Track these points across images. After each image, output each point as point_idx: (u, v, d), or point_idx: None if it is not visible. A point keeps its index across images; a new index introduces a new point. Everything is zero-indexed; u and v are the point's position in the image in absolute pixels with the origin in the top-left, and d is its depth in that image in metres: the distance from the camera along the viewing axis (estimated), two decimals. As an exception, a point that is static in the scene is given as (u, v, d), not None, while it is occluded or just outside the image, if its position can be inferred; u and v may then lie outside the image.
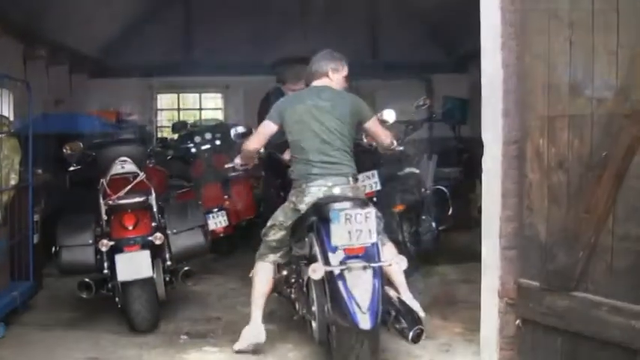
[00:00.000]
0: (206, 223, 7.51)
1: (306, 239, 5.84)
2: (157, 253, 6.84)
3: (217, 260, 9.88)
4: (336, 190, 6.00)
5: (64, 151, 7.83)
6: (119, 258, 6.58)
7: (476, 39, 5.33)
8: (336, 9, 14.97)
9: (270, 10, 15.30)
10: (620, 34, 4.30)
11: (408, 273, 6.30)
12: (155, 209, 6.99)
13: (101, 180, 7.06)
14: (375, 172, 8.62)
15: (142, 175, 7.05)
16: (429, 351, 6.13)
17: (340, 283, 5.21)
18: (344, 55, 6.60)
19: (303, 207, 6.01)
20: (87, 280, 6.71)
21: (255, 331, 6.24)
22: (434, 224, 9.27)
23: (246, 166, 6.94)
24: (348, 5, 15.12)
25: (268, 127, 6.32)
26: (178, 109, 17.04)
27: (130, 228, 6.79)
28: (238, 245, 10.39)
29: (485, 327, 5.36)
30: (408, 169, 9.12)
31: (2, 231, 7.19)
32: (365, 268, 5.25)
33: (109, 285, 6.80)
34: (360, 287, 5.18)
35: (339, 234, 5.24)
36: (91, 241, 6.72)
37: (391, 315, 5.55)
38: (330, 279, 5.30)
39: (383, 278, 5.49)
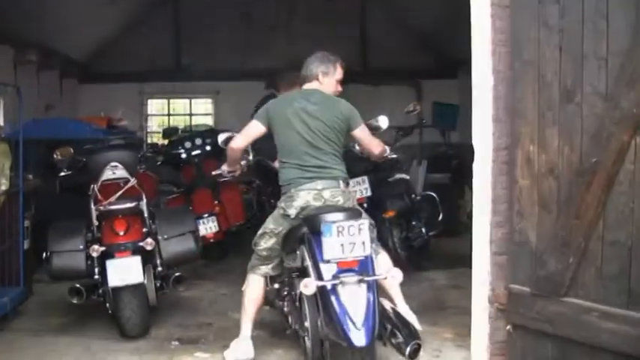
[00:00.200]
0: (197, 229, 7.52)
1: (298, 252, 5.74)
2: (147, 258, 6.84)
3: (208, 266, 9.89)
4: (326, 194, 5.90)
5: (55, 156, 7.81)
6: (110, 264, 6.59)
7: (465, 45, 5.36)
8: (326, 15, 15.04)
9: (260, 16, 15.37)
10: (610, 41, 4.33)
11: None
12: (146, 215, 6.99)
13: (92, 185, 7.05)
14: (366, 177, 8.66)
15: (133, 181, 7.06)
16: (420, 356, 6.14)
17: (333, 298, 5.09)
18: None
19: (292, 212, 5.91)
20: (78, 285, 6.70)
21: (244, 346, 6.20)
22: (424, 230, 9.28)
23: (233, 173, 6.77)
24: (338, 11, 15.18)
25: (255, 127, 6.19)
26: (168, 115, 17.05)
27: (121, 234, 6.80)
28: (229, 251, 10.41)
29: (476, 332, 5.37)
30: (398, 175, 9.13)
31: (-7, 236, 7.18)
32: (359, 282, 5.11)
33: (100, 291, 6.80)
34: (354, 302, 5.06)
35: (332, 247, 5.12)
36: (81, 247, 6.71)
37: (387, 329, 5.43)
38: (322, 293, 5.17)
39: (378, 292, 5.33)
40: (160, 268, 6.94)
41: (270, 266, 6.23)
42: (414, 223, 9.28)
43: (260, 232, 6.23)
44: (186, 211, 7.88)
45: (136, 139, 12.71)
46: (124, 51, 15.23)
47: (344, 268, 5.16)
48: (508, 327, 5.07)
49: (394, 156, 6.97)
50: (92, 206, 6.88)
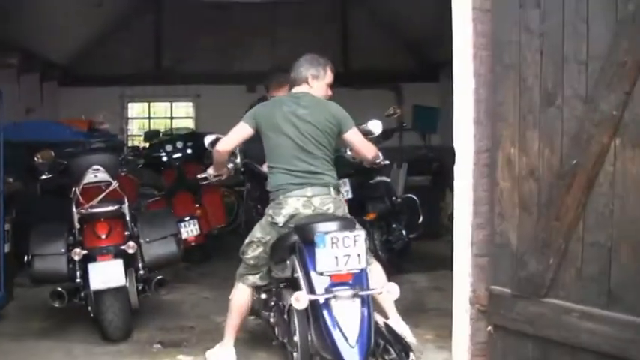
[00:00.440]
0: (179, 232, 7.54)
1: (288, 261, 5.51)
2: (130, 261, 6.84)
3: (190, 269, 9.88)
4: (316, 201, 5.68)
5: (36, 160, 7.80)
6: (92, 267, 6.58)
7: (446, 48, 5.42)
8: (307, 18, 15.05)
9: (241, 20, 15.35)
10: (590, 45, 4.39)
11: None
12: (128, 218, 6.99)
13: (74, 189, 7.04)
14: (347, 180, 8.67)
15: (115, 184, 7.05)
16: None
17: (326, 313, 4.85)
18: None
19: (280, 220, 5.69)
20: (60, 289, 6.68)
21: (226, 355, 6.14)
22: (404, 232, 9.33)
23: (219, 177, 6.55)
24: (320, 14, 15.20)
25: (242, 130, 5.96)
26: (149, 118, 17.01)
27: (103, 237, 6.79)
28: (211, 254, 10.42)
29: (457, 333, 5.42)
30: (378, 178, 9.17)
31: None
32: (353, 296, 4.88)
33: (82, 294, 6.78)
34: (347, 317, 4.83)
35: (325, 259, 4.88)
36: (63, 250, 6.70)
37: (380, 345, 5.17)
38: (314, 307, 4.92)
39: (372, 307, 5.07)
40: (142, 271, 6.93)
41: (257, 276, 6.03)
42: (394, 225, 9.32)
43: (247, 240, 6.01)
44: (168, 214, 7.88)
45: (118, 142, 12.69)
46: (104, 54, 15.19)
47: (337, 282, 4.92)
48: (489, 328, 5.13)
49: (387, 162, 6.72)
50: (74, 209, 6.88)
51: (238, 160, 6.56)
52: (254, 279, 6.04)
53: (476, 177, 5.19)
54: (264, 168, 6.37)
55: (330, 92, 6.20)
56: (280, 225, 5.70)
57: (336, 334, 4.79)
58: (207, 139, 6.42)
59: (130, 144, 15.63)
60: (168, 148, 10.76)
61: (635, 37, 4.14)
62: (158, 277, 7.02)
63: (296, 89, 6.07)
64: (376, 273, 5.87)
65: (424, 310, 7.70)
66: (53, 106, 14.15)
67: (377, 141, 8.57)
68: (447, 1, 5.35)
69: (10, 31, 10.72)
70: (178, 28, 15.30)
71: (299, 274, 5.18)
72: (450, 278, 5.51)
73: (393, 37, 15.69)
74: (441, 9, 5.56)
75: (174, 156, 10.69)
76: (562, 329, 4.60)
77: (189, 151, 10.72)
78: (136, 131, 16.86)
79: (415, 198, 9.73)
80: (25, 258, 6.76)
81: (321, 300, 4.88)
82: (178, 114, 16.95)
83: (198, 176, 6.85)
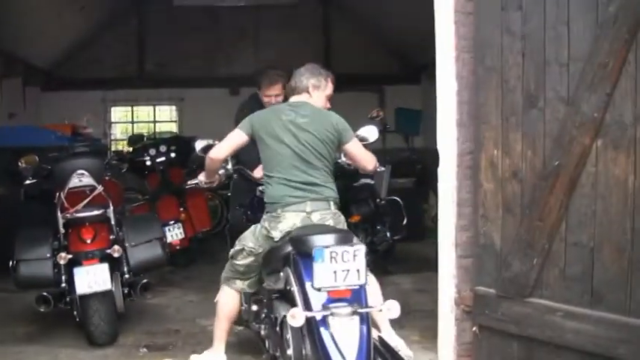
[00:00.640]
0: (164, 236, 7.53)
1: (281, 273, 5.21)
2: (115, 266, 6.82)
3: (175, 273, 9.88)
4: (315, 217, 5.46)
5: (20, 164, 7.78)
6: (77, 271, 6.57)
7: (428, 50, 5.46)
8: (290, 22, 15.11)
9: (225, 23, 15.41)
10: (571, 47, 4.44)
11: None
12: (113, 222, 6.98)
13: (58, 193, 7.03)
14: (331, 182, 8.68)
15: (99, 188, 7.04)
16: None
17: (323, 330, 4.60)
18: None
19: (277, 235, 5.44)
20: (45, 294, 6.66)
21: None
22: (388, 234, 9.36)
23: (210, 184, 6.30)
24: (302, 18, 15.26)
25: (237, 137, 5.73)
26: (132, 122, 17.01)
27: (88, 241, 6.78)
28: (195, 258, 10.43)
29: (443, 334, 5.45)
30: (362, 180, 9.19)
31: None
32: (352, 313, 4.61)
33: (67, 299, 6.76)
34: (345, 335, 4.58)
35: (323, 274, 4.58)
36: (49, 255, 6.67)
37: None
38: (310, 323, 4.66)
39: (370, 324, 4.80)
40: (127, 275, 6.90)
41: (246, 282, 5.83)
42: (378, 227, 9.35)
43: (237, 247, 5.78)
44: (152, 218, 7.88)
45: (101, 146, 12.69)
46: (87, 58, 15.20)
47: (335, 298, 4.66)
48: (474, 328, 5.16)
49: (382, 168, 6.57)
50: (59, 214, 6.86)
51: (230, 166, 6.26)
52: (242, 284, 5.85)
53: (459, 179, 5.23)
54: (256, 173, 6.30)
55: (328, 105, 6.00)
56: (276, 240, 5.44)
57: (333, 353, 4.57)
58: (199, 145, 6.21)
59: (113, 148, 15.65)
60: (152, 152, 10.72)
61: (615, 39, 4.19)
62: (143, 281, 7.00)
63: (295, 98, 5.85)
64: (372, 286, 5.45)
65: (409, 311, 7.70)
66: (36, 110, 14.13)
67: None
68: (429, 4, 5.38)
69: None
70: (161, 32, 15.33)
71: (294, 289, 4.91)
72: (435, 280, 5.54)
73: (376, 40, 15.76)
74: (423, 12, 5.58)
75: (158, 160, 10.66)
76: (546, 329, 4.65)
77: (172, 155, 10.69)
78: (119, 135, 16.88)
79: (399, 200, 9.76)
80: (10, 263, 6.73)
81: (318, 317, 4.63)
82: (161, 118, 16.96)
83: (189, 182, 6.69)
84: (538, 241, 4.65)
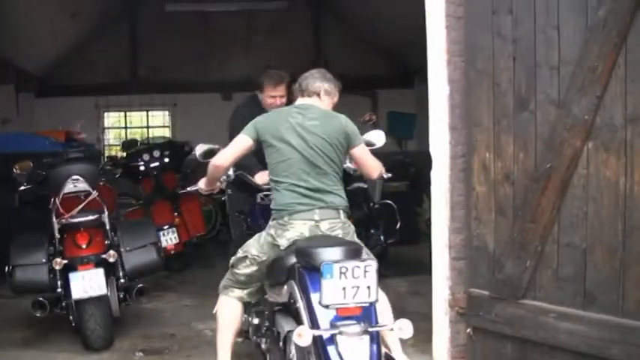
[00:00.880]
0: (159, 240, 7.56)
1: (285, 286, 4.93)
2: (110, 270, 6.83)
3: (170, 277, 9.87)
4: (324, 226, 5.10)
5: (14, 170, 7.80)
6: (73, 276, 6.58)
7: (421, 54, 5.49)
8: (282, 26, 15.16)
9: (215, 29, 15.46)
10: (561, 50, 4.50)
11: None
12: (108, 227, 6.99)
13: (53, 199, 7.05)
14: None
15: (94, 194, 7.05)
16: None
17: (330, 349, 4.30)
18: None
19: (283, 243, 5.09)
20: (41, 299, 6.68)
21: None
22: (382, 238, 9.37)
23: (211, 191, 5.99)
24: (294, 22, 15.31)
25: (242, 142, 5.34)
26: (125, 127, 17.03)
27: (84, 246, 6.77)
28: (190, 262, 10.45)
29: (437, 336, 5.49)
30: (356, 184, 9.19)
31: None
32: (362, 332, 4.31)
33: (63, 304, 6.76)
34: (355, 356, 4.30)
35: (332, 291, 4.28)
36: (44, 260, 6.68)
37: None
38: (317, 341, 4.35)
39: (381, 344, 4.54)
40: (122, 280, 6.90)
41: (246, 292, 5.48)
42: (372, 231, 9.36)
43: (240, 254, 5.42)
44: (147, 223, 7.91)
45: (95, 151, 12.71)
46: (80, 64, 15.24)
47: (344, 316, 4.35)
48: (468, 330, 5.22)
49: (389, 175, 5.98)
50: (54, 219, 6.87)
51: (231, 172, 5.85)
52: (241, 293, 5.48)
53: (452, 182, 5.27)
54: (257, 179, 6.09)
55: None
56: (282, 248, 5.09)
57: None
58: (199, 149, 5.87)
59: (106, 153, 15.67)
60: (146, 157, 10.72)
61: (605, 42, 4.25)
62: (139, 286, 7.01)
63: (303, 100, 5.47)
64: (382, 303, 4.93)
65: (404, 314, 7.68)
66: (29, 117, 14.15)
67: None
68: (421, 8, 5.42)
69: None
70: (154, 38, 15.38)
71: (300, 305, 4.61)
72: (429, 283, 5.57)
73: (368, 43, 15.82)
74: (415, 16, 5.61)
75: (152, 165, 10.65)
76: (540, 330, 4.70)
77: (166, 160, 10.69)
78: (112, 141, 16.91)
79: (392, 204, 9.78)
80: (6, 269, 6.75)
81: (326, 335, 4.33)
82: (154, 123, 16.98)
83: (187, 189, 6.34)
84: (531, 242, 4.71)
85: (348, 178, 8.31)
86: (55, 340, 7.12)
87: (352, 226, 5.36)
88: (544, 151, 4.61)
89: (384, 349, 4.88)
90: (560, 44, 4.49)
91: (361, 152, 5.49)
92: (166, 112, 16.66)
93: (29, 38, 12.16)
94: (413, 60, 13.18)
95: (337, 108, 5.40)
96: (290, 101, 6.16)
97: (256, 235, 5.44)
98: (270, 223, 5.28)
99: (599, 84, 4.28)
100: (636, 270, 4.24)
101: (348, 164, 5.94)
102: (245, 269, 5.37)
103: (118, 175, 10.67)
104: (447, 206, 5.31)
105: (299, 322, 4.58)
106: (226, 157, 5.44)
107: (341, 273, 4.28)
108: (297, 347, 4.54)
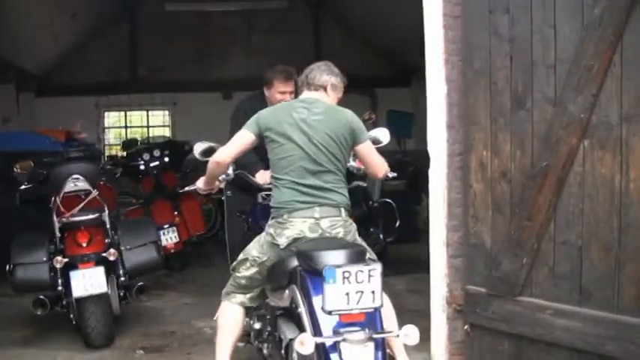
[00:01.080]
0: (159, 239, 7.61)
1: (287, 290, 4.80)
2: (111, 269, 6.89)
3: (170, 276, 9.94)
4: (324, 224, 4.95)
5: (15, 170, 7.85)
6: (74, 275, 6.63)
7: (420, 53, 5.51)
8: (281, 26, 15.18)
9: (215, 28, 15.48)
10: (558, 49, 4.52)
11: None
12: (108, 226, 7.04)
13: (54, 198, 7.09)
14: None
15: (94, 193, 7.09)
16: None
17: (334, 357, 4.20)
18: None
19: (283, 241, 4.96)
20: (42, 297, 6.72)
21: None
22: (381, 236, 9.43)
23: (210, 191, 5.81)
24: (293, 22, 15.34)
25: (244, 138, 5.18)
26: (126, 127, 17.06)
27: (84, 245, 6.84)
28: (190, 261, 10.49)
29: (435, 333, 5.52)
30: (355, 183, 9.20)
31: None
32: (366, 339, 4.19)
33: (64, 302, 6.82)
34: None
35: (335, 296, 4.13)
36: (45, 259, 6.75)
37: None
38: (319, 349, 4.24)
39: (386, 351, 4.44)
40: (122, 278, 6.98)
41: (248, 296, 5.33)
42: (371, 229, 9.42)
43: (241, 257, 5.29)
44: (147, 221, 7.98)
45: (96, 151, 12.74)
46: (80, 64, 15.24)
47: (348, 322, 4.23)
48: (466, 327, 5.24)
49: (394, 174, 5.83)
50: (54, 218, 6.92)
51: (230, 171, 5.63)
52: (243, 299, 5.34)
53: (450, 180, 5.30)
54: (258, 178, 5.98)
55: None
56: (282, 247, 4.98)
57: None
58: (198, 147, 5.65)
59: (106, 153, 15.70)
60: (146, 156, 10.77)
61: (601, 40, 4.27)
62: (139, 284, 7.07)
63: (309, 94, 5.29)
64: (386, 308, 4.76)
65: (402, 312, 7.72)
66: (30, 116, 14.18)
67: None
68: (419, 8, 5.43)
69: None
70: (153, 37, 15.39)
71: (302, 310, 4.48)
72: (427, 281, 5.59)
73: (367, 43, 15.85)
74: (414, 15, 5.62)
75: (152, 164, 10.71)
76: (537, 327, 4.73)
77: (166, 159, 10.75)
78: (112, 140, 16.93)
79: (392, 202, 9.82)
80: (7, 267, 6.79)
81: (329, 343, 4.22)
82: (155, 122, 17.00)
83: (187, 188, 6.21)
84: (527, 240, 4.73)
85: (349, 176, 8.35)
86: (56, 339, 7.18)
87: (354, 225, 5.23)
88: (541, 149, 4.64)
89: (388, 352, 4.80)
90: (557, 43, 4.52)
91: (367, 149, 5.32)
92: (166, 112, 16.66)
93: (29, 38, 12.19)
94: (411, 59, 13.20)
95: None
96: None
97: (257, 237, 5.30)
98: (270, 222, 5.14)
99: (595, 82, 4.31)
100: (631, 267, 4.27)
101: (352, 163, 5.75)
102: (246, 272, 5.23)
103: (118, 175, 10.73)
104: (444, 204, 5.34)
105: (301, 328, 4.48)
106: (228, 153, 5.25)
107: (344, 278, 4.14)
108: (300, 355, 4.35)
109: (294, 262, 4.71)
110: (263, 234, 5.21)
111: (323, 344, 4.21)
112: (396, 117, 14.03)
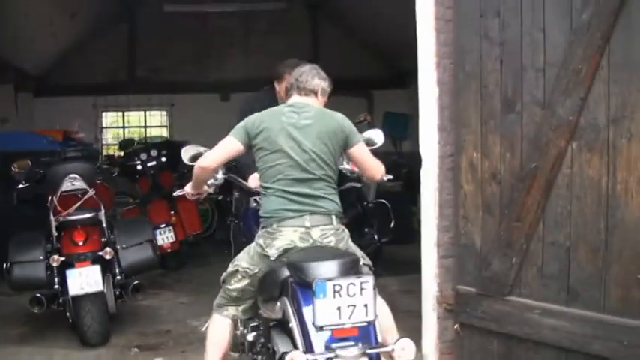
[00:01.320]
0: (154, 238, 7.64)
1: (278, 302, 4.56)
2: (107, 267, 6.94)
3: (166, 275, 9.96)
4: (315, 233, 4.73)
5: (13, 169, 7.90)
6: (70, 273, 6.67)
7: (415, 56, 5.57)
8: (279, 27, 15.22)
9: (214, 29, 15.52)
10: (547, 53, 4.61)
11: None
12: (105, 225, 7.09)
13: (51, 197, 7.15)
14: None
15: (91, 192, 7.14)
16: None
17: None
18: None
19: (273, 252, 4.73)
20: (38, 295, 6.78)
21: None
22: (376, 237, 9.45)
23: (198, 196, 5.55)
24: (291, 23, 15.38)
25: (230, 145, 4.95)
26: (123, 127, 17.11)
27: (81, 244, 6.88)
28: (186, 260, 10.54)
29: (426, 332, 5.62)
30: (349, 184, 9.25)
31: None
32: (360, 354, 4.01)
33: (60, 300, 6.87)
34: None
35: (326, 311, 3.96)
36: (42, 257, 6.80)
37: None
38: None
39: None
40: (119, 277, 7.04)
41: (240, 308, 5.10)
42: (366, 230, 9.45)
43: (231, 268, 5.04)
44: (143, 221, 8.03)
45: (93, 151, 12.77)
46: (78, 64, 15.27)
47: (340, 337, 4.05)
48: (456, 326, 5.33)
49: (390, 177, 5.49)
50: (51, 217, 6.97)
51: (219, 175, 5.44)
52: (235, 311, 5.12)
53: (441, 181, 5.39)
54: (250, 182, 5.74)
55: None
56: (272, 258, 4.76)
57: None
58: (186, 153, 5.42)
59: (104, 153, 15.74)
60: (143, 156, 10.79)
61: (589, 45, 4.36)
62: (135, 283, 7.11)
63: (299, 99, 5.07)
64: (383, 317, 4.66)
65: (396, 312, 7.73)
66: (28, 116, 14.21)
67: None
68: (414, 11, 5.52)
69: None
70: (152, 38, 15.43)
71: (293, 325, 4.29)
72: (421, 281, 5.67)
73: (364, 45, 15.90)
74: (410, 17, 5.64)
75: (149, 164, 10.73)
76: (525, 326, 4.82)
77: (163, 159, 10.76)
78: (110, 140, 16.98)
79: (387, 203, 9.86)
80: (4, 265, 6.84)
81: (321, 359, 4.06)
82: (152, 123, 17.05)
83: (175, 194, 6.04)
84: (516, 240, 4.82)
85: (341, 178, 8.32)
86: (52, 336, 7.22)
87: (346, 231, 5.00)
88: (530, 151, 4.73)
89: None
90: (546, 47, 4.61)
91: (360, 152, 5.07)
92: (164, 112, 16.71)
93: (28, 38, 12.23)
94: (407, 61, 13.25)
95: (333, 108, 5.21)
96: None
97: (246, 247, 5.07)
98: (259, 232, 4.94)
99: (583, 86, 4.39)
100: (617, 268, 4.35)
101: (346, 166, 5.58)
102: (237, 284, 5.00)
103: (115, 174, 10.75)
104: (435, 205, 5.42)
105: (293, 339, 4.29)
106: (212, 159, 5.04)
107: (335, 291, 3.97)
108: None
109: (285, 273, 4.49)
110: (253, 244, 4.99)
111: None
112: (393, 118, 14.07)
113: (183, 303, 8.65)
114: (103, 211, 7.12)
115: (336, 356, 3.98)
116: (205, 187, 5.43)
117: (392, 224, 9.77)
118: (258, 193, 5.34)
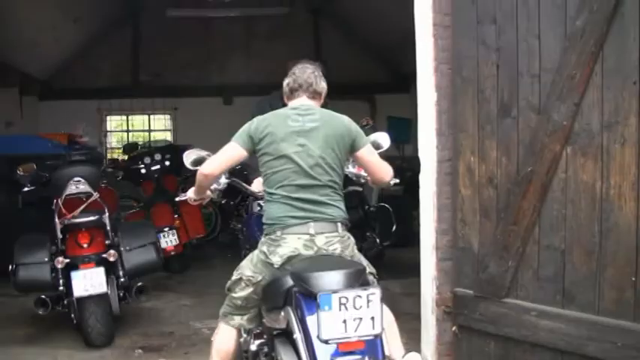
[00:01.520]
0: (158, 240, 7.70)
1: (282, 312, 4.41)
2: (111, 269, 7.01)
3: (170, 278, 10.03)
4: (320, 241, 4.55)
5: (18, 172, 7.96)
6: (75, 275, 6.74)
7: (415, 60, 5.64)
8: (281, 32, 15.29)
9: (216, 34, 15.60)
10: (542, 59, 4.69)
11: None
12: (109, 227, 7.16)
13: (56, 200, 7.22)
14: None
15: (95, 195, 7.21)
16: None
17: None
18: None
19: (277, 260, 4.56)
20: (43, 297, 6.84)
21: None
22: (378, 240, 9.48)
23: (201, 201, 5.40)
24: (293, 28, 15.45)
25: (233, 151, 4.78)
26: (127, 131, 17.20)
27: (85, 246, 6.96)
28: (190, 263, 10.59)
29: (425, 334, 5.68)
30: (351, 187, 9.28)
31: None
32: None
33: (65, 301, 6.94)
34: None
35: (331, 324, 3.83)
36: (47, 259, 6.87)
37: None
38: None
39: None
40: (122, 279, 7.09)
41: (245, 317, 4.93)
42: (368, 234, 9.49)
43: (235, 276, 4.87)
44: (147, 223, 8.11)
45: (98, 154, 12.84)
46: (83, 68, 15.38)
47: (346, 351, 3.92)
48: (454, 328, 5.40)
49: (396, 180, 5.20)
50: (56, 220, 7.04)
51: (223, 180, 5.32)
52: (241, 321, 4.95)
53: (439, 185, 5.45)
54: (254, 186, 5.60)
55: None
56: (276, 266, 4.58)
57: None
58: (188, 157, 5.29)
59: (108, 156, 15.81)
60: (147, 160, 10.87)
61: (583, 51, 4.43)
62: (138, 285, 7.19)
63: (304, 101, 4.88)
64: (389, 329, 4.50)
65: (397, 315, 7.78)
66: (33, 119, 14.30)
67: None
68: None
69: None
70: (155, 42, 15.53)
71: (297, 336, 4.14)
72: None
73: (366, 49, 15.98)
74: (412, 22, 5.68)
75: (153, 168, 10.80)
76: (522, 328, 4.88)
77: (167, 163, 10.83)
78: (114, 144, 17.07)
79: (388, 207, 9.91)
80: (10, 267, 6.91)
81: None
82: (156, 126, 17.13)
83: (177, 199, 5.86)
84: (513, 244, 4.89)
85: (344, 181, 8.30)
86: (57, 338, 7.28)
87: (352, 239, 4.82)
88: (525, 156, 4.80)
89: None
90: (541, 53, 4.68)
91: (368, 154, 4.89)
92: (168, 116, 16.80)
93: (33, 42, 12.32)
94: (409, 65, 13.30)
95: (337, 112, 5.09)
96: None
97: (250, 255, 4.93)
98: (262, 239, 4.77)
99: (577, 91, 4.46)
100: (612, 270, 4.42)
101: (351, 169, 5.37)
102: (241, 292, 4.83)
103: (119, 178, 10.79)
104: (434, 208, 5.48)
105: (297, 350, 4.15)
106: (215, 165, 4.89)
107: (341, 304, 3.84)
108: None
109: (289, 282, 4.34)
110: (256, 252, 4.82)
111: None
112: (396, 123, 14.13)
113: (186, 305, 8.71)
114: (107, 214, 7.18)
115: None
116: (208, 193, 5.31)
117: (394, 228, 9.81)
118: (262, 197, 5.19)
